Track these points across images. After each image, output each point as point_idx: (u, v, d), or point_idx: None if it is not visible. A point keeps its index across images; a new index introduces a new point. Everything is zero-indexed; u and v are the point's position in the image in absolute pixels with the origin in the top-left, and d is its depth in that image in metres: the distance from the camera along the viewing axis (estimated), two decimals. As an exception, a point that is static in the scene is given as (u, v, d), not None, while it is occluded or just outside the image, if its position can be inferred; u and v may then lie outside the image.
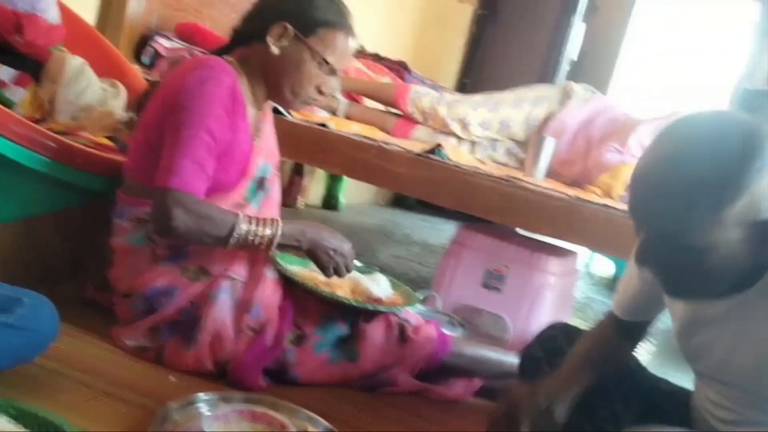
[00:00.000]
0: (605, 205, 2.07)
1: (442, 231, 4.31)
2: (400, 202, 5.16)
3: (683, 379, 1.42)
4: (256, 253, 1.59)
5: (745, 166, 0.99)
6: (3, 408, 1.12)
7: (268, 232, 1.52)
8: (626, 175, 2.28)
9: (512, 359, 1.71)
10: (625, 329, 1.38)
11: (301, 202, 4.04)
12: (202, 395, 1.35)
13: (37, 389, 1.30)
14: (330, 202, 4.31)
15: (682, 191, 1.01)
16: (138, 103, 1.98)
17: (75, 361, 1.45)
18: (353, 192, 4.50)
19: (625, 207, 2.12)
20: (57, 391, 1.32)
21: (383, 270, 1.94)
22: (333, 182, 4.33)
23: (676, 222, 1.01)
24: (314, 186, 4.24)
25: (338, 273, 1.63)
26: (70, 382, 1.37)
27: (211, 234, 1.49)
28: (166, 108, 1.55)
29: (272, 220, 1.54)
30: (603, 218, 2.00)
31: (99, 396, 1.34)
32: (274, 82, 1.62)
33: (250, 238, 1.50)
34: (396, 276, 2.03)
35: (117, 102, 2.08)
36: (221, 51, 1.68)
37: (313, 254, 1.60)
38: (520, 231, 2.56)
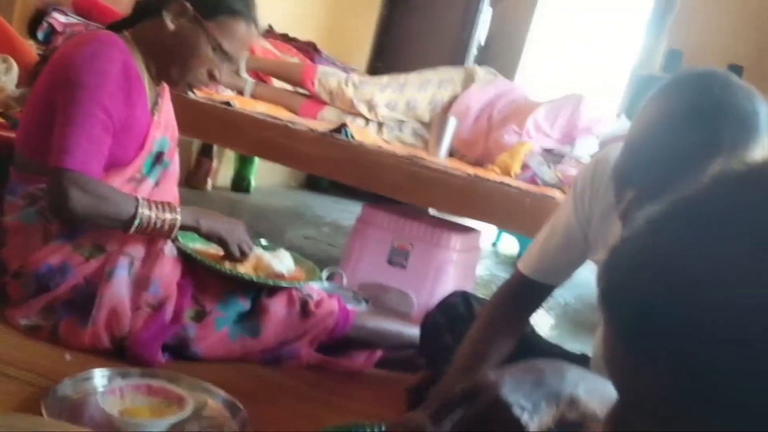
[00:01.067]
0: (502, 183, 2.16)
1: (354, 213, 4.32)
2: (312, 184, 5.17)
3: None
4: (155, 237, 1.58)
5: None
6: None
7: (168, 216, 1.53)
8: (523, 154, 2.39)
9: (413, 330, 1.78)
10: (528, 290, 1.38)
11: (209, 184, 3.99)
12: (97, 371, 1.35)
13: None
14: (240, 184, 4.27)
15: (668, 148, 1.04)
16: (29, 78, 1.92)
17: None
18: (264, 174, 4.48)
19: (520, 184, 2.23)
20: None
21: (292, 250, 1.96)
22: (243, 164, 4.29)
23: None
24: (223, 168, 4.19)
25: (243, 252, 1.65)
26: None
27: (111, 217, 1.49)
28: (56, 83, 1.52)
29: (170, 204, 1.55)
30: (499, 195, 2.09)
31: (-9, 376, 1.31)
32: (164, 59, 1.61)
33: (152, 222, 1.51)
34: (306, 256, 2.06)
35: (8, 77, 2.01)
36: (117, 26, 1.65)
37: (213, 237, 1.62)
38: (424, 209, 2.63)
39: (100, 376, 1.34)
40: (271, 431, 1.35)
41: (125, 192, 1.54)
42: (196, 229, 1.61)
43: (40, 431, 0.70)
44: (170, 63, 1.60)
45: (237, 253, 1.67)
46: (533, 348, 1.49)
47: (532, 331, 1.57)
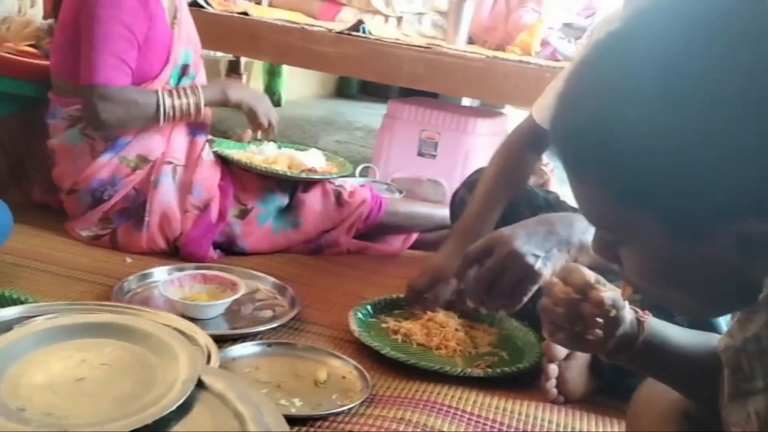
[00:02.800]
0: (521, 62, 2.18)
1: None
2: (342, 92, 5.19)
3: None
4: (189, 120, 1.70)
5: None
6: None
7: (191, 99, 1.65)
8: (542, 30, 2.39)
9: (444, 212, 1.86)
10: (537, 135, 1.44)
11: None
12: (157, 268, 1.49)
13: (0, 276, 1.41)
14: (271, 98, 4.31)
15: None
16: (54, 8, 1.99)
17: (33, 254, 1.56)
18: (294, 86, 4.52)
19: (540, 61, 2.25)
20: (19, 278, 1.43)
21: (330, 154, 2.05)
22: (271, 78, 4.34)
23: None
24: (253, 83, 4.24)
25: (270, 123, 1.79)
26: (31, 271, 1.48)
27: (141, 116, 1.62)
28: (78, 6, 1.60)
29: (192, 87, 1.67)
30: (518, 74, 2.12)
31: (60, 279, 1.46)
32: None
33: (177, 108, 1.64)
34: (339, 158, 2.14)
35: (34, 10, 2.08)
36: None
37: (243, 106, 1.77)
38: (449, 99, 2.67)
39: (159, 272, 1.48)
40: (318, 307, 1.48)
41: (146, 90, 1.64)
42: (224, 101, 1.74)
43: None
44: None
45: (266, 122, 1.81)
46: (533, 199, 1.54)
47: (547, 191, 1.65)
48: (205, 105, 1.69)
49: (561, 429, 1.14)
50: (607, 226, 0.65)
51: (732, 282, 0.61)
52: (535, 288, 1.12)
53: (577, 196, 0.65)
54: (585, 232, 1.13)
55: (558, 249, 1.12)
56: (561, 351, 1.25)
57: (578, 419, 1.17)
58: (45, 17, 2.09)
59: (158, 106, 1.62)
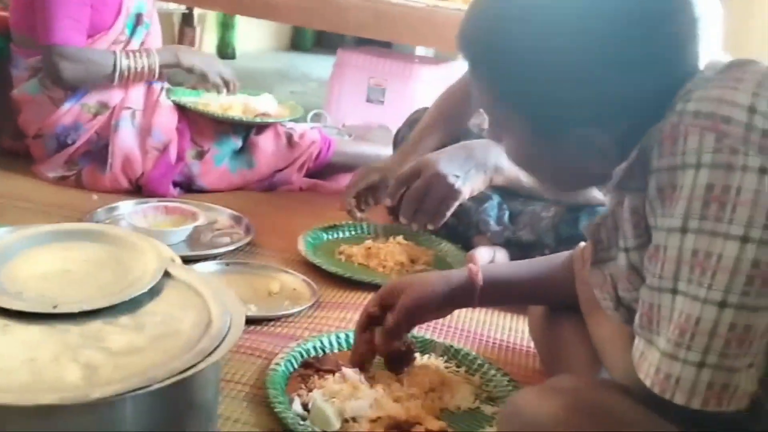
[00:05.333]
0: (459, 9, 2.33)
1: (338, 67, 4.48)
2: (296, 44, 5.27)
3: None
4: (141, 80, 1.83)
5: None
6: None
7: (146, 61, 1.78)
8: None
9: (388, 151, 2.02)
10: None
11: (196, 54, 4.14)
12: (122, 202, 1.63)
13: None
14: (225, 50, 4.41)
15: None
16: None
17: (6, 195, 1.69)
18: (248, 39, 4.59)
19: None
20: (-4, 214, 1.56)
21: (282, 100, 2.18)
22: (225, 30, 4.41)
23: None
24: (207, 36, 4.31)
25: (226, 82, 1.92)
26: (6, 209, 1.61)
27: (98, 75, 1.75)
28: None
29: (146, 49, 1.80)
30: (458, 21, 2.26)
31: (33, 214, 1.59)
32: None
33: (132, 69, 1.77)
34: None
35: (-11, -37, 2.15)
36: None
37: (195, 69, 1.88)
38: (397, 48, 2.81)
39: (125, 205, 1.62)
40: (271, 234, 1.64)
41: (105, 50, 1.77)
42: (176, 65, 1.86)
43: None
44: None
45: (219, 82, 1.93)
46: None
47: None
48: (159, 67, 1.82)
49: (480, 324, 1.33)
50: (492, 117, 0.82)
51: (580, 173, 0.79)
52: (456, 204, 1.29)
53: (474, 90, 0.82)
54: (500, 155, 1.30)
55: (476, 170, 1.29)
56: (483, 260, 1.44)
57: (494, 316, 1.36)
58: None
59: (114, 66, 1.75)
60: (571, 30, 0.72)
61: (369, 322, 1.03)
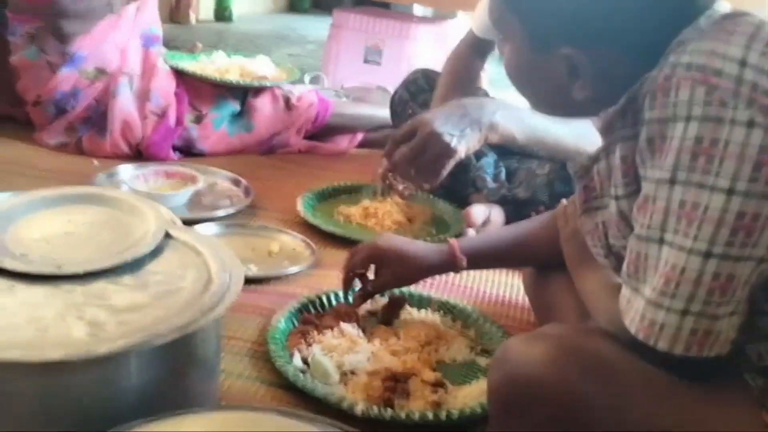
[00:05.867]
0: (455, -31, 2.31)
1: (336, 28, 4.45)
2: (294, 6, 5.22)
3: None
4: None
5: None
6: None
7: None
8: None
9: (385, 112, 2.03)
10: (478, 45, 1.68)
11: (192, 17, 4.10)
12: (122, 166, 1.65)
13: (-19, 182, 1.55)
14: (222, 14, 4.37)
15: None
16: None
17: (7, 161, 1.71)
18: (245, 1, 4.55)
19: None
20: (-1, 181, 1.58)
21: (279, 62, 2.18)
22: (222, -7, 4.36)
23: None
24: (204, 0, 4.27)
25: None
26: (8, 175, 1.63)
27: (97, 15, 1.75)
28: None
29: None
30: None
31: (36, 180, 1.61)
32: None
33: None
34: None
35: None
36: None
37: None
38: (393, 8, 2.79)
39: (125, 169, 1.64)
40: (270, 196, 1.66)
41: None
42: None
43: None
44: None
45: None
46: None
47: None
48: None
49: (476, 279, 1.36)
50: (496, 25, 0.84)
51: (563, 95, 0.80)
52: (452, 162, 1.30)
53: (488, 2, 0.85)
54: (494, 113, 1.31)
55: (471, 128, 1.30)
56: (479, 217, 1.47)
57: (489, 272, 1.39)
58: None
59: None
60: None
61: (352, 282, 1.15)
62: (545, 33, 0.77)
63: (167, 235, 0.92)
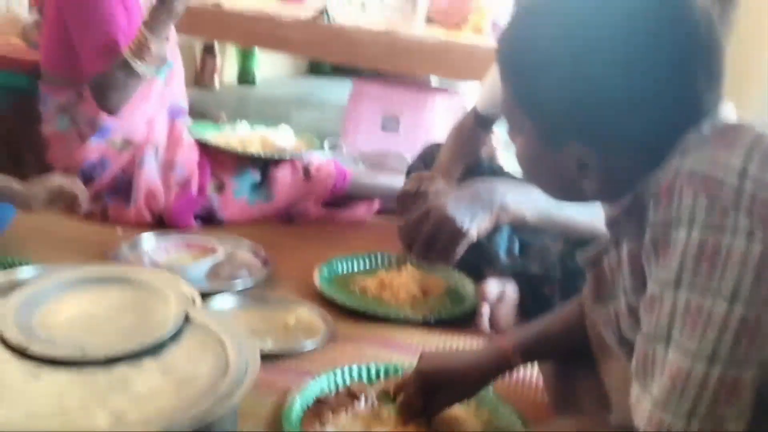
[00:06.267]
0: (470, 43, 2.38)
1: (356, 91, 4.55)
2: (315, 70, 5.35)
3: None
4: (162, 49, 1.80)
5: None
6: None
7: (149, 40, 1.74)
8: (490, 13, 2.58)
9: (402, 180, 2.06)
10: (481, 121, 1.75)
11: (217, 81, 4.23)
12: (144, 235, 1.70)
13: (7, 250, 1.59)
14: (246, 77, 4.49)
15: None
16: (38, 3, 2.17)
17: (35, 229, 1.75)
18: (268, 65, 4.68)
19: (489, 42, 2.45)
20: (26, 249, 1.62)
21: (299, 131, 2.25)
22: (246, 58, 4.49)
23: None
24: (228, 64, 4.40)
25: None
26: (36, 244, 1.67)
27: (131, 86, 1.78)
28: (62, 3, 1.78)
29: (139, 30, 1.76)
30: (469, 53, 2.32)
31: (61, 249, 1.66)
32: None
33: (146, 56, 1.75)
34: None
35: (19, 7, 2.25)
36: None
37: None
38: (411, 78, 2.87)
39: (147, 240, 1.68)
40: (288, 267, 1.69)
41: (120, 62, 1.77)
42: (174, 16, 1.78)
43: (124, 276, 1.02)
44: None
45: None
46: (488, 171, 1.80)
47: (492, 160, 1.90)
48: (158, 30, 1.75)
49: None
50: (508, 118, 0.87)
51: (573, 186, 0.82)
52: (465, 244, 1.33)
53: (501, 91, 0.87)
54: (505, 195, 1.34)
55: (482, 210, 1.33)
56: (493, 293, 1.48)
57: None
58: (30, 11, 2.25)
59: (133, 69, 1.75)
60: (592, 53, 0.75)
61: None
62: (555, 130, 0.80)
63: (187, 318, 0.95)
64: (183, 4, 1.79)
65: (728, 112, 0.78)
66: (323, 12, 2.52)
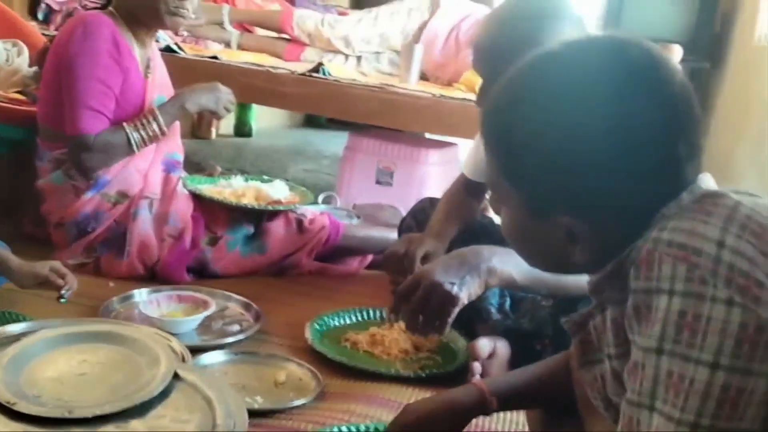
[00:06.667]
0: (464, 99, 2.43)
1: (351, 143, 4.60)
2: (311, 122, 5.42)
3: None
4: (158, 141, 1.93)
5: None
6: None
7: (154, 125, 1.88)
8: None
9: (395, 235, 2.09)
10: (470, 187, 1.76)
11: (213, 133, 4.28)
12: (136, 290, 1.69)
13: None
14: (242, 129, 4.55)
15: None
16: (39, 57, 2.22)
17: (26, 281, 1.75)
18: (264, 117, 4.74)
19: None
20: (17, 302, 1.62)
21: (294, 183, 2.27)
22: (242, 110, 4.55)
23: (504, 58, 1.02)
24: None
25: (228, 109, 2.01)
26: (26, 296, 1.66)
27: (118, 155, 1.86)
28: (59, 64, 1.84)
29: (152, 112, 1.88)
30: (462, 110, 2.36)
31: (52, 302, 1.64)
32: (144, 9, 1.86)
33: (144, 136, 1.87)
34: (307, 186, 2.36)
35: (21, 60, 2.29)
36: (105, 3, 1.93)
37: (204, 111, 1.99)
38: (405, 132, 2.91)
39: (139, 293, 1.68)
40: (280, 321, 1.69)
41: (115, 128, 1.86)
42: (184, 114, 1.94)
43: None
44: (149, 7, 1.86)
45: (224, 114, 2.02)
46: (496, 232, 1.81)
47: (491, 221, 1.90)
48: (168, 124, 1.90)
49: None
50: (493, 189, 0.88)
51: (561, 258, 0.83)
52: (456, 310, 1.33)
53: (487, 162, 0.88)
54: (490, 258, 1.36)
55: (470, 275, 1.34)
56: (484, 350, 1.48)
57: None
58: (31, 65, 2.29)
59: (129, 140, 1.85)
60: (574, 127, 0.76)
61: None
62: (543, 202, 0.81)
63: (176, 376, 0.95)
64: (196, 107, 1.92)
65: (706, 181, 0.80)
66: (319, 67, 2.57)
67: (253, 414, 1.03)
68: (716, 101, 2.86)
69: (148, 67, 1.95)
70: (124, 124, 1.85)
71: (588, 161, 0.76)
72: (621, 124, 0.76)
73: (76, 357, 0.96)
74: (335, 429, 1.19)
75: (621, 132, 0.76)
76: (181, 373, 0.95)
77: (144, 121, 1.87)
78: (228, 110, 2.02)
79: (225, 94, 2.00)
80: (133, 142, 1.85)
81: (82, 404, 0.86)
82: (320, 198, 2.69)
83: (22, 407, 0.83)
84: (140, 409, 0.87)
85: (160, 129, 1.89)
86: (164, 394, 0.91)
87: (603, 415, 0.90)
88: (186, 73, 2.39)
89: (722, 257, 0.68)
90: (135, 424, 0.85)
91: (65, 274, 1.55)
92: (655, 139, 0.76)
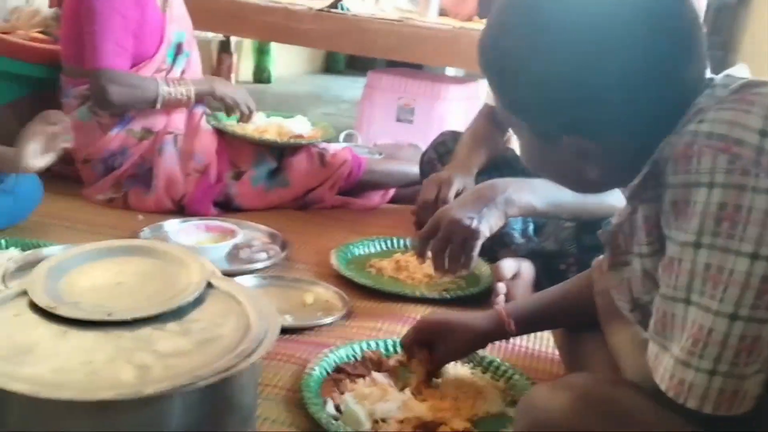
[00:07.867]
0: (484, 31, 2.39)
1: (370, 88, 4.57)
2: (330, 67, 5.39)
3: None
4: (180, 107, 1.95)
5: None
6: (13, 243, 1.47)
7: (184, 89, 1.90)
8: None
9: (417, 169, 2.09)
10: (495, 117, 1.72)
11: (233, 79, 4.27)
12: (166, 221, 1.73)
13: (31, 236, 1.63)
14: (261, 75, 4.54)
15: None
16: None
17: (58, 215, 1.80)
18: (283, 63, 4.72)
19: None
20: (50, 234, 1.66)
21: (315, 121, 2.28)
22: (261, 56, 4.54)
23: None
24: (243, 62, 4.45)
25: (242, 112, 2.04)
26: (60, 229, 1.72)
27: (142, 99, 1.87)
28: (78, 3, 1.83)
29: (184, 79, 1.92)
30: (482, 42, 2.33)
31: (84, 234, 1.69)
32: None
33: (173, 96, 1.89)
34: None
35: (40, 0, 2.29)
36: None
37: (226, 99, 2.01)
38: (425, 69, 2.89)
39: (169, 223, 1.72)
40: (305, 250, 1.72)
41: (149, 77, 1.89)
42: (210, 93, 1.98)
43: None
44: None
45: (245, 110, 2.04)
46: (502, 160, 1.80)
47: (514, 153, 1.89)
48: (195, 95, 1.94)
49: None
50: (504, 120, 0.89)
51: (579, 176, 0.84)
52: (479, 243, 1.34)
53: (493, 98, 0.88)
54: (506, 189, 1.37)
55: (488, 208, 1.35)
56: (509, 271, 1.49)
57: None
58: (51, 6, 2.30)
59: (157, 93, 1.87)
60: (565, 44, 0.75)
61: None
62: (548, 128, 0.81)
63: (209, 285, 0.98)
64: (222, 93, 1.99)
65: (742, 71, 0.79)
66: (338, 2, 2.55)
67: (282, 331, 1.05)
68: (743, 37, 2.80)
69: (165, 1, 1.95)
70: (158, 77, 1.89)
71: (579, 76, 0.75)
72: (608, 32, 0.74)
73: (112, 269, 0.98)
74: (363, 344, 1.22)
75: (608, 40, 0.74)
76: (214, 282, 0.97)
77: (177, 82, 1.92)
78: (244, 111, 2.05)
79: (249, 99, 2.08)
80: (160, 95, 1.87)
81: (120, 309, 0.88)
82: (341, 136, 2.69)
83: (63, 310, 0.86)
84: (176, 314, 0.90)
85: (188, 96, 1.92)
86: (199, 300, 0.93)
87: (625, 322, 0.91)
88: (204, 10, 2.38)
89: (765, 146, 0.67)
90: (172, 326, 0.88)
91: (56, 122, 1.52)
92: (644, 39, 0.74)
